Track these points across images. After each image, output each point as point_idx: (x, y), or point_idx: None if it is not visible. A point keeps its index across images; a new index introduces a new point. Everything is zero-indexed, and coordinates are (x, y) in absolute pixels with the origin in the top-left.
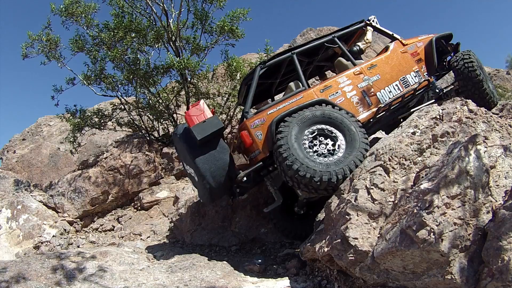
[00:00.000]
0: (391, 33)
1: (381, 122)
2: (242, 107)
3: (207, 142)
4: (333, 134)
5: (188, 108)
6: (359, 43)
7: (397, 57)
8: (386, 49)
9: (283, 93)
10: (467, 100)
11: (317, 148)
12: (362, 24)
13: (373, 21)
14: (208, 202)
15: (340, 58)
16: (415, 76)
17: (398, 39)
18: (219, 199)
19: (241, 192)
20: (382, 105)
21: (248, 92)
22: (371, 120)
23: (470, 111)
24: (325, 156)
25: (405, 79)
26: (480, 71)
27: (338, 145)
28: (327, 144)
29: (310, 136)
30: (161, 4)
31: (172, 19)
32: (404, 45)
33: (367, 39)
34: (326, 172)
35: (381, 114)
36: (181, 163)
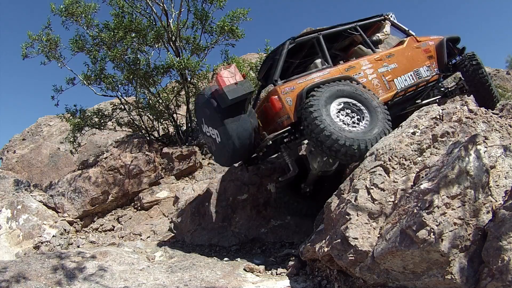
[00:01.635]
0: (406, 29)
1: (393, 108)
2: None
3: (236, 104)
4: (359, 108)
5: (188, 108)
6: (378, 34)
7: (412, 50)
8: (401, 42)
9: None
10: (467, 100)
11: (345, 119)
12: (381, 18)
13: (391, 16)
14: (226, 164)
15: (360, 46)
16: (426, 70)
17: (412, 35)
18: (233, 166)
19: (257, 160)
20: (399, 91)
21: (276, 64)
22: (389, 102)
23: (470, 111)
24: (353, 127)
25: (418, 72)
26: (485, 72)
27: (364, 118)
28: (353, 116)
29: (338, 107)
30: (161, 4)
31: (172, 19)
32: (417, 41)
33: (386, 31)
34: (362, 141)
35: (397, 99)
36: (181, 163)
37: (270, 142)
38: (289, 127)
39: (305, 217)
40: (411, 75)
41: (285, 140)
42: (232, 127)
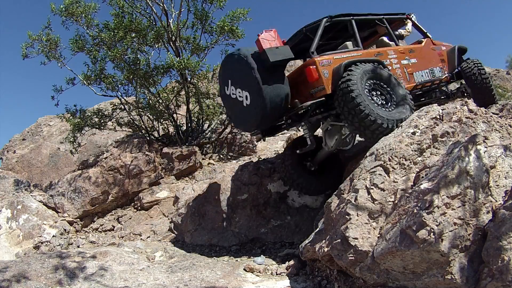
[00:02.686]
0: (425, 31)
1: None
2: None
3: (274, 67)
4: (387, 91)
5: (188, 108)
6: (401, 30)
7: (429, 51)
8: (419, 42)
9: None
10: (467, 100)
11: (375, 99)
12: (404, 16)
13: (413, 16)
14: (249, 128)
15: (384, 38)
16: (439, 71)
17: (430, 38)
18: (256, 132)
19: (276, 131)
20: (418, 84)
21: (313, 38)
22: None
23: (470, 111)
24: (382, 107)
25: (433, 71)
26: (491, 80)
27: (391, 100)
28: (382, 98)
29: (369, 87)
30: (161, 4)
31: (172, 19)
32: (433, 44)
33: (408, 29)
34: (391, 120)
35: (415, 90)
36: (181, 163)
37: (303, 110)
38: (323, 98)
39: (312, 193)
40: (427, 72)
41: (316, 111)
42: (267, 89)
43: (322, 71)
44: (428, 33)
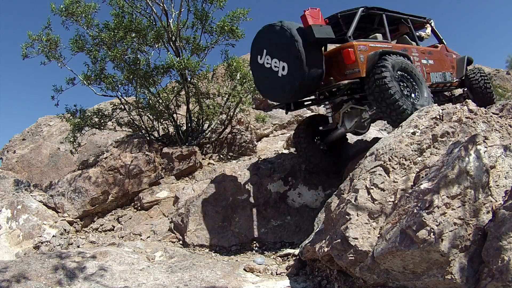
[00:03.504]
0: (441, 37)
1: None
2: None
3: (316, 44)
4: (412, 84)
5: (188, 108)
6: (421, 32)
7: (443, 56)
8: (435, 46)
9: None
10: (467, 100)
11: (401, 88)
12: (425, 20)
13: (432, 22)
14: (281, 99)
15: (405, 36)
16: (449, 76)
17: (444, 44)
18: (289, 104)
19: (300, 106)
20: (433, 83)
21: (349, 22)
22: None
23: (470, 111)
24: (407, 96)
25: (445, 74)
26: (493, 88)
27: (415, 92)
28: (408, 89)
29: (398, 77)
30: (161, 4)
31: (172, 19)
32: (447, 50)
33: (428, 32)
34: (414, 109)
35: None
36: (181, 163)
37: (341, 87)
38: (358, 79)
39: (320, 171)
40: (440, 74)
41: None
42: (307, 63)
43: (359, 55)
44: (443, 40)
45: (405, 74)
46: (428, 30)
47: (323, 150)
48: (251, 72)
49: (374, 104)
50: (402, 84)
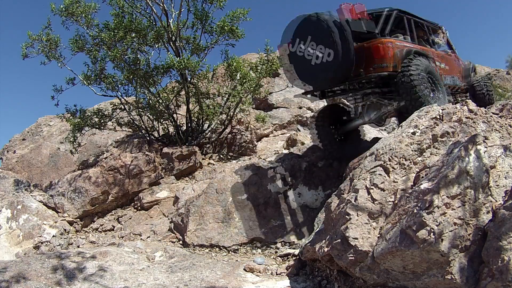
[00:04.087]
0: (453, 45)
1: None
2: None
3: (353, 35)
4: (432, 83)
5: (188, 108)
6: (436, 38)
7: (454, 62)
8: (447, 52)
9: None
10: (467, 100)
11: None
12: (440, 27)
13: (446, 31)
14: (319, 83)
15: (421, 40)
16: (458, 80)
17: (455, 52)
18: (318, 92)
19: (329, 94)
20: (444, 85)
21: (381, 20)
22: None
23: (470, 111)
24: (428, 95)
25: (454, 78)
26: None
27: (435, 90)
28: (430, 86)
29: (423, 76)
30: (161, 4)
31: (172, 19)
32: (457, 58)
33: (442, 39)
34: (433, 101)
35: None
36: (181, 163)
37: (373, 79)
38: (386, 73)
39: (334, 158)
40: (451, 78)
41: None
42: (342, 53)
43: (387, 51)
44: (454, 47)
45: (428, 73)
46: (441, 36)
47: (339, 139)
48: (286, 59)
49: (399, 98)
50: (425, 83)
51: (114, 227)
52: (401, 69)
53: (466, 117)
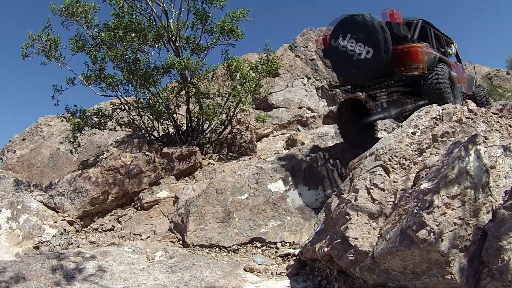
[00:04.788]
0: (460, 57)
1: None
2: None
3: (393, 38)
4: (452, 86)
5: (188, 108)
6: (448, 49)
7: (462, 72)
8: (456, 63)
9: None
10: (467, 100)
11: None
12: (451, 40)
13: (455, 43)
14: (355, 77)
15: (439, 50)
16: (464, 89)
17: (462, 63)
18: (363, 81)
19: (362, 88)
20: None
21: (413, 29)
22: None
23: (470, 111)
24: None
25: (462, 87)
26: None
27: (453, 93)
28: (450, 90)
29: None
30: (161, 4)
31: (172, 19)
32: (462, 68)
33: (452, 50)
34: (454, 103)
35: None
36: (181, 163)
37: (408, 76)
38: (416, 73)
39: (355, 147)
40: (459, 86)
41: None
42: (384, 51)
43: (419, 55)
44: (461, 60)
45: (449, 79)
46: (452, 48)
47: (359, 130)
48: (325, 53)
49: (423, 97)
50: (448, 86)
51: (114, 227)
52: (428, 71)
53: (466, 117)
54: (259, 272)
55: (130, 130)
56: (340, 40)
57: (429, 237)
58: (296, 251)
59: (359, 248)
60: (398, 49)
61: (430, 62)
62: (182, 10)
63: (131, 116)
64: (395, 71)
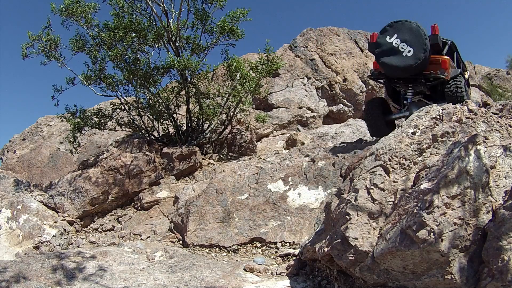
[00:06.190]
0: (469, 83)
1: None
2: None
3: (432, 45)
4: (466, 92)
5: (188, 108)
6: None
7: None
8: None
9: None
10: (467, 100)
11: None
12: (466, 66)
13: (468, 71)
14: (396, 71)
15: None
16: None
17: (469, 88)
18: (395, 76)
19: (397, 84)
20: None
21: (444, 45)
22: None
23: (470, 111)
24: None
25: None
26: None
27: (466, 98)
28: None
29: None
30: (161, 4)
31: (172, 19)
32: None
33: (465, 76)
34: None
35: None
36: (181, 163)
37: (441, 77)
38: (443, 77)
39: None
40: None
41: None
42: (427, 53)
43: (448, 65)
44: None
45: (465, 89)
46: (465, 74)
47: (383, 125)
48: (370, 46)
49: (448, 99)
50: (465, 94)
51: (114, 227)
52: (451, 79)
53: (466, 117)
54: (259, 272)
55: (130, 130)
56: (387, 38)
57: (429, 237)
58: (296, 251)
59: (359, 248)
60: (432, 57)
61: (453, 73)
62: (182, 10)
63: (131, 116)
64: (431, 72)
